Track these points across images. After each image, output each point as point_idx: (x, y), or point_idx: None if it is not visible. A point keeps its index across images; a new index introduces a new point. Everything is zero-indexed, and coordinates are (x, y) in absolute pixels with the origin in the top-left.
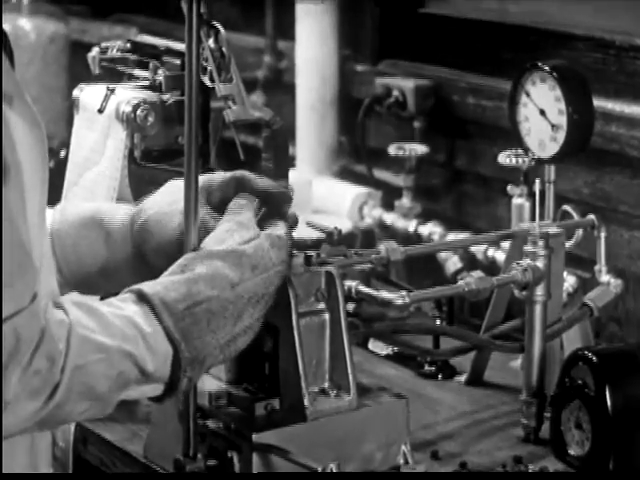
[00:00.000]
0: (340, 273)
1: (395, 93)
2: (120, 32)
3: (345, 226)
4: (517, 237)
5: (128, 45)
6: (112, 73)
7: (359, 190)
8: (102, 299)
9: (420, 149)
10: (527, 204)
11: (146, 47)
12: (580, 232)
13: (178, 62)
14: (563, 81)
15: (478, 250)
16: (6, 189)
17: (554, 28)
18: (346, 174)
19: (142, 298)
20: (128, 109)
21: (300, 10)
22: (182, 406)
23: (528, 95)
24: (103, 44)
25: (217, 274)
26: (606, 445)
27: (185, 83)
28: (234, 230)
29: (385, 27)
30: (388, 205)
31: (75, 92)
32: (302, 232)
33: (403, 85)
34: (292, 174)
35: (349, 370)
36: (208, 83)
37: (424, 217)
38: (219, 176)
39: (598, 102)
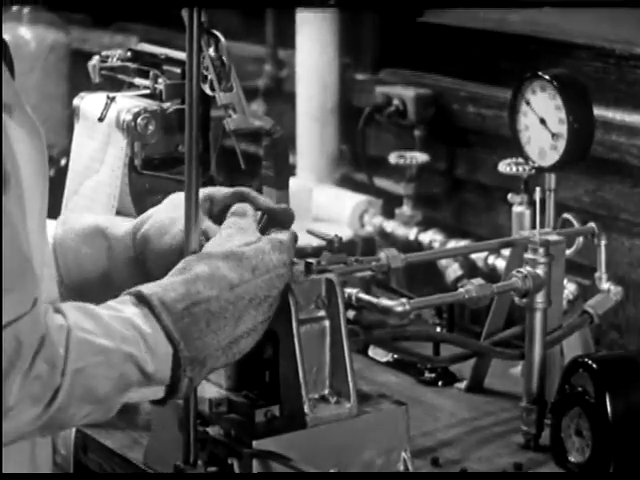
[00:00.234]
0: (340, 280)
1: (395, 102)
2: (121, 41)
3: (345, 234)
4: (517, 245)
5: (128, 54)
6: (112, 82)
7: (359, 198)
8: None
9: (421, 157)
10: (527, 212)
11: (146, 56)
12: (580, 240)
13: (178, 71)
14: (563, 90)
15: (478, 258)
16: (6, 198)
17: (554, 37)
18: (346, 182)
19: (141, 300)
20: (128, 117)
21: (300, 19)
22: (182, 413)
23: (528, 104)
24: (103, 53)
25: (216, 275)
26: (606, 452)
27: (185, 92)
28: (234, 235)
29: (385, 36)
30: (389, 213)
31: (75, 101)
32: (302, 240)
33: (403, 94)
34: (292, 182)
35: (349, 377)
36: (208, 92)
37: (425, 225)
38: (221, 190)
39: (598, 111)
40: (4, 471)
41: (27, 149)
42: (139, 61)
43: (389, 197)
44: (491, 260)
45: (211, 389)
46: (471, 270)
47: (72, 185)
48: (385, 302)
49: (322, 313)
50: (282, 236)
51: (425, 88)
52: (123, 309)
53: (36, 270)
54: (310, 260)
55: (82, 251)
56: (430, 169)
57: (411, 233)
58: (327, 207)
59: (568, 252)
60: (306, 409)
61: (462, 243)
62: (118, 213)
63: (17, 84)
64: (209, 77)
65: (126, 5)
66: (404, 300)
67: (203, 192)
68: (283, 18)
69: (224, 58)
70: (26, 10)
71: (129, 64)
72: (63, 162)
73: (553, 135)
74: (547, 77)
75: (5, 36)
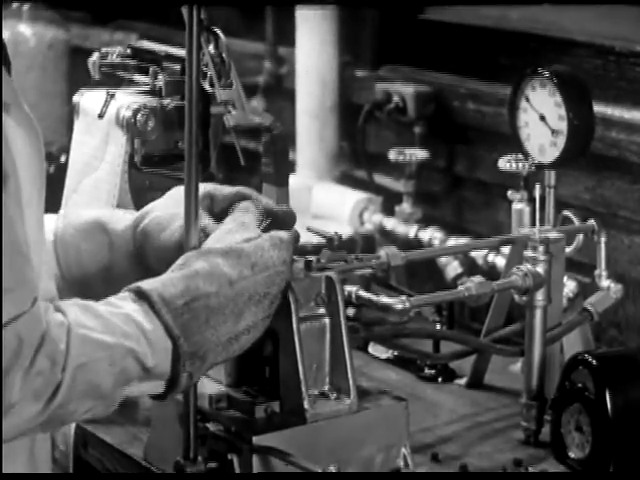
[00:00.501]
0: (340, 278)
1: (395, 99)
2: (120, 38)
3: (345, 231)
4: (517, 242)
5: (128, 51)
6: (112, 78)
7: (359, 195)
8: None
9: (420, 154)
10: (527, 209)
11: (146, 53)
12: (580, 237)
13: (178, 67)
14: (563, 87)
15: (478, 255)
16: (5, 196)
17: (554, 34)
18: (346, 179)
19: (141, 296)
20: (128, 114)
21: (300, 16)
22: (182, 409)
23: (528, 100)
24: (103, 50)
25: (215, 271)
26: (606, 448)
27: (185, 88)
28: (235, 231)
29: (385, 33)
30: (388, 210)
31: (75, 97)
32: (302, 237)
33: (403, 91)
34: (292, 179)
35: (349, 373)
36: (208, 88)
37: (424, 222)
38: (223, 190)
39: (598, 108)
40: (3, 466)
41: (24, 147)
42: (139, 58)
43: (389, 194)
44: (491, 258)
45: (211, 385)
46: (471, 268)
47: (72, 182)
48: (385, 300)
49: (322, 310)
50: (282, 234)
51: (425, 85)
52: (123, 305)
53: (35, 268)
54: (310, 258)
55: (82, 246)
56: (430, 166)
57: (411, 230)
58: (327, 204)
59: (568, 250)
60: (306, 405)
61: (462, 241)
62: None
63: (16, 81)
64: (209, 74)
65: (126, 3)
66: (404, 298)
67: (204, 189)
68: (283, 15)
69: (224, 55)
70: (26, 7)
71: (129, 61)
72: (63, 159)
73: (553, 132)
74: (547, 74)
75: (4, 33)
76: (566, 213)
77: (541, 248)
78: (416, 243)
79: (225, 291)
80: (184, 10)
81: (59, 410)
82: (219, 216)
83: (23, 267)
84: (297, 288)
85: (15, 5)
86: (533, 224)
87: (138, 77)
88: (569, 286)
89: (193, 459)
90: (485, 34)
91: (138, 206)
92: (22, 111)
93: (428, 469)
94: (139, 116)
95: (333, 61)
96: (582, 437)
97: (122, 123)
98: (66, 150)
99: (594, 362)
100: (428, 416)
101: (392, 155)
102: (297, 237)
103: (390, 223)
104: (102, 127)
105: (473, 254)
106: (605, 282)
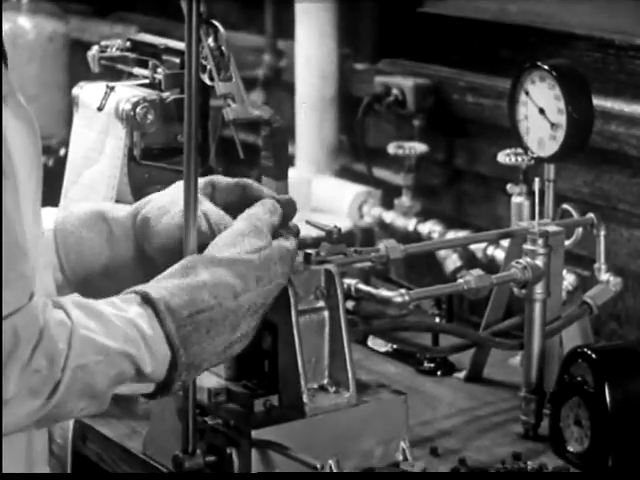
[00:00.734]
0: (340, 271)
1: (394, 92)
2: (120, 31)
3: (345, 225)
4: (516, 235)
5: (128, 44)
6: (112, 71)
7: (358, 189)
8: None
9: (419, 148)
10: (526, 203)
11: (146, 46)
12: (579, 231)
13: (177, 61)
14: (562, 80)
15: (477, 248)
16: (1, 190)
17: (553, 27)
18: (345, 173)
19: (147, 301)
20: (128, 107)
21: (299, 9)
22: (181, 402)
23: (527, 94)
24: (103, 42)
25: (222, 282)
26: (605, 442)
27: (185, 81)
28: (246, 234)
29: (384, 26)
30: (388, 204)
31: (75, 90)
32: (302, 231)
33: (402, 84)
34: (291, 173)
35: (348, 367)
36: (207, 81)
37: (424, 216)
38: (225, 178)
39: (597, 101)
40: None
41: (21, 139)
42: (138, 51)
43: (388, 188)
44: (490, 251)
45: (210, 379)
46: (470, 261)
47: (71, 175)
48: (384, 293)
49: (321, 304)
50: (289, 245)
51: (424, 78)
52: (127, 309)
53: (32, 262)
54: (309, 251)
55: (82, 234)
56: (429, 159)
57: (410, 224)
58: (326, 198)
59: (567, 243)
60: (305, 399)
61: (461, 234)
62: (117, 203)
63: (16, 74)
64: (208, 67)
65: None
66: (403, 291)
67: (205, 178)
68: (282, 8)
69: (223, 48)
70: (25, 0)
71: (128, 54)
72: (62, 152)
73: (552, 125)
74: (546, 67)
75: (4, 26)
76: (565, 206)
77: (540, 241)
78: (415, 236)
79: (228, 303)
80: (183, 3)
81: (56, 409)
82: (221, 205)
83: (20, 261)
84: (296, 281)
85: None
86: (532, 217)
87: (137, 70)
88: (568, 279)
89: (192, 453)
90: (484, 27)
91: (137, 199)
92: (18, 103)
93: (427, 463)
94: (138, 109)
95: (332, 54)
96: (581, 431)
97: (121, 116)
98: (65, 143)
99: (593, 355)
100: (427, 409)
101: (391, 148)
102: (297, 231)
103: (389, 216)
104: (101, 120)
105: (472, 247)
106: (604, 275)
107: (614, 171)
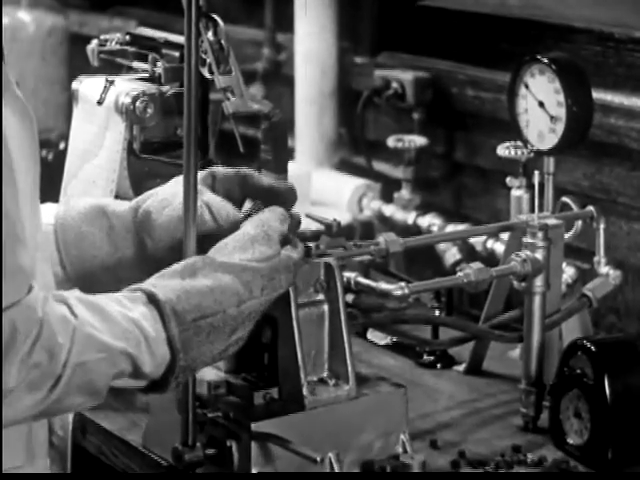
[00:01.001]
0: (339, 264)
1: (394, 85)
2: (119, 25)
3: (344, 218)
4: (516, 229)
5: (127, 37)
6: (111, 65)
7: (358, 182)
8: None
9: (419, 141)
10: (526, 196)
11: (145, 39)
12: (579, 224)
13: (177, 54)
14: (562, 73)
15: (477, 241)
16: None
17: (553, 21)
18: (345, 166)
19: (153, 301)
20: (127, 101)
21: (299, 2)
22: (181, 395)
23: (527, 87)
24: (102, 36)
25: (228, 289)
26: (605, 434)
27: (184, 75)
28: (257, 241)
29: (384, 19)
30: (387, 197)
31: (74, 84)
32: (302, 224)
33: (402, 77)
34: (291, 166)
35: (348, 360)
36: (207, 75)
37: (423, 209)
38: (224, 169)
39: (597, 94)
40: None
41: (18, 133)
42: (138, 45)
43: (388, 181)
44: (490, 244)
45: (210, 372)
46: (470, 254)
47: (71, 169)
48: (384, 286)
49: (321, 297)
50: (295, 255)
51: (424, 71)
52: (133, 308)
53: (30, 256)
54: (309, 244)
55: (83, 229)
56: (429, 153)
57: (410, 217)
58: (326, 191)
59: (567, 236)
60: (305, 391)
61: (461, 227)
62: (117, 197)
63: (15, 68)
64: (208, 60)
65: None
66: (403, 284)
67: (205, 170)
68: (282, 1)
69: (223, 42)
70: None
71: (128, 48)
72: (62, 146)
73: (552, 118)
74: (546, 60)
75: (4, 20)
76: (565, 199)
77: (540, 234)
78: (415, 229)
79: (231, 310)
80: None
81: (54, 404)
82: (222, 195)
83: (19, 255)
84: (296, 275)
85: None
86: (532, 210)
87: (137, 64)
88: (568, 272)
89: (192, 445)
90: (484, 20)
91: (137, 192)
92: (15, 96)
93: (426, 455)
94: (138, 103)
95: (332, 48)
96: (581, 423)
97: (121, 110)
98: (65, 137)
99: (593, 348)
100: (427, 402)
101: (391, 142)
102: (299, 220)
103: (389, 209)
104: (101, 114)
105: (472, 240)
106: (604, 268)
107: (614, 164)
